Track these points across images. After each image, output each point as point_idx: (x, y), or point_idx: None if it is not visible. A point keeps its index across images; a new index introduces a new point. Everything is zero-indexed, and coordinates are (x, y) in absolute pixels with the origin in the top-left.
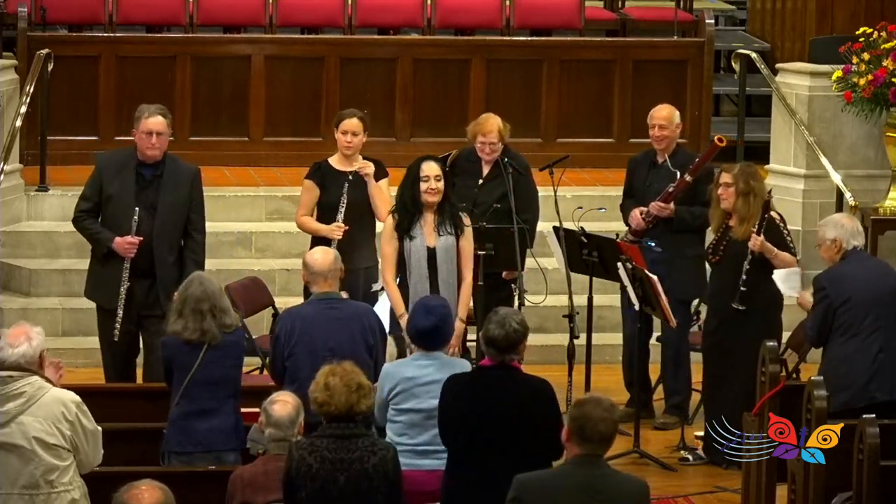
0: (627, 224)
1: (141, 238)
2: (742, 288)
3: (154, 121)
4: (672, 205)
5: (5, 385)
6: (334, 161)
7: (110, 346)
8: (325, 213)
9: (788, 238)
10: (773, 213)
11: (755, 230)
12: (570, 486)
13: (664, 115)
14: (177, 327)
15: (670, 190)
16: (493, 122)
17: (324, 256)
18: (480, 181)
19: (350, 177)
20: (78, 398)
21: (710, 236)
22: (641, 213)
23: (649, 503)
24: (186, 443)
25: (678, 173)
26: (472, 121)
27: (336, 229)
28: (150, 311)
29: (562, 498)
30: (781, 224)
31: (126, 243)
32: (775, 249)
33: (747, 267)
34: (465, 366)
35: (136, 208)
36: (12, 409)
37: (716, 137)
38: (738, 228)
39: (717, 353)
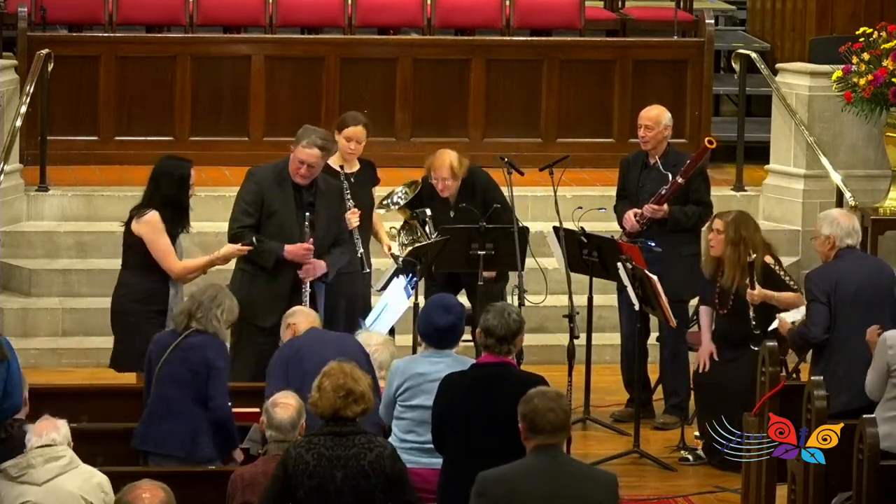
0: (622, 226)
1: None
2: (756, 332)
3: (310, 152)
4: (665, 206)
5: (47, 447)
6: (333, 162)
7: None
8: None
9: (787, 277)
10: (767, 258)
11: (749, 285)
12: (532, 473)
13: (651, 116)
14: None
15: (663, 192)
16: (443, 159)
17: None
18: (452, 213)
19: (352, 178)
20: (106, 478)
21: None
22: (635, 216)
23: (617, 492)
24: (147, 441)
25: (669, 175)
26: (472, 119)
27: (351, 215)
28: None
29: (525, 485)
30: (777, 266)
31: (302, 249)
32: (775, 294)
33: (753, 315)
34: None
35: (307, 213)
36: (54, 468)
37: (706, 139)
38: (728, 277)
39: (709, 387)
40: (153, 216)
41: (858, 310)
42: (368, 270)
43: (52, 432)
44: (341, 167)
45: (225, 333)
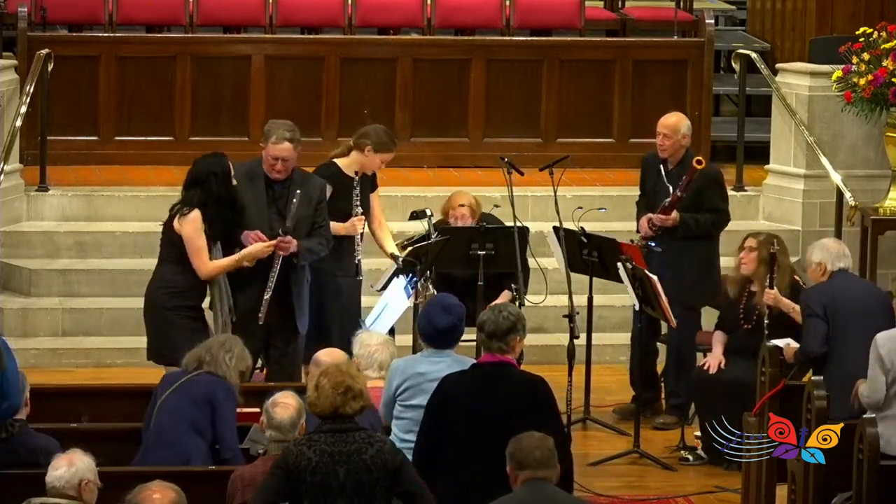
0: (638, 230)
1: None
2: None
3: (280, 147)
4: (675, 213)
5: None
6: (347, 167)
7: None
8: (337, 217)
9: None
10: (796, 277)
11: (767, 285)
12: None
13: (669, 124)
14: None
15: (666, 204)
16: (461, 198)
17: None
18: None
19: (358, 183)
20: None
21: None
22: (648, 222)
23: None
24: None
25: (671, 188)
26: (472, 119)
27: (357, 222)
28: (280, 324)
29: None
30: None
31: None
32: (792, 304)
33: (767, 323)
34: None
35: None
36: None
37: (694, 160)
38: (761, 296)
39: (710, 383)
40: (196, 215)
41: (856, 321)
42: (361, 278)
43: (61, 468)
44: (356, 172)
45: (236, 381)
